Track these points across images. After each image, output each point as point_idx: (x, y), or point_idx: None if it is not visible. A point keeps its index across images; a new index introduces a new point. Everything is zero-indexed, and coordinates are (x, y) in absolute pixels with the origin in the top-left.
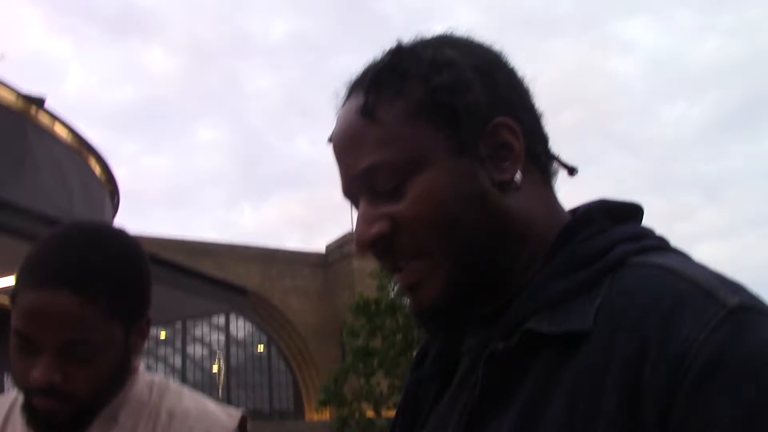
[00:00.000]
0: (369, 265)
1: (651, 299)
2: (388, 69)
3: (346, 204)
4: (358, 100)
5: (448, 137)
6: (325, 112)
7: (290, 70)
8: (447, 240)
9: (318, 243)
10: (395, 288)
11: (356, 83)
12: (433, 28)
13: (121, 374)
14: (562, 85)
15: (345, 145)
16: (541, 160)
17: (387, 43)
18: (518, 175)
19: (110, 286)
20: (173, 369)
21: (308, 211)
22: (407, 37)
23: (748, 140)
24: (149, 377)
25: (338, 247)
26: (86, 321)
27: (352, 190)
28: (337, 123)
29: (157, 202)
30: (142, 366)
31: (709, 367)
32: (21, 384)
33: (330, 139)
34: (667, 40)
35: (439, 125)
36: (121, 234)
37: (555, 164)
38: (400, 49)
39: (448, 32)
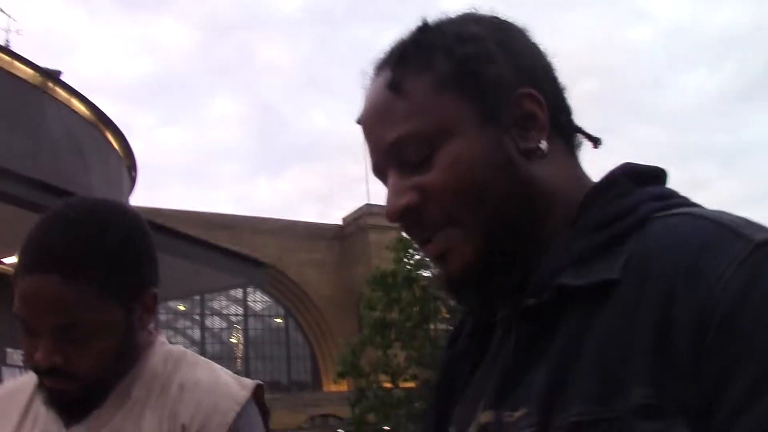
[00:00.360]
0: (385, 237)
1: (678, 241)
2: (414, 44)
3: (361, 176)
4: (385, 76)
5: (474, 107)
6: (339, 84)
7: (305, 43)
8: (476, 207)
9: (334, 216)
10: (412, 260)
11: (383, 61)
12: (449, 3)
13: (126, 351)
14: (580, 56)
15: (373, 120)
16: (565, 131)
17: (402, 16)
18: (544, 144)
19: (102, 267)
20: (192, 341)
21: (324, 184)
22: (431, 14)
23: (767, 110)
24: (167, 348)
25: (354, 220)
26: (78, 304)
27: (382, 164)
28: (365, 101)
29: (174, 176)
30: (161, 338)
31: (738, 299)
32: (30, 365)
33: (358, 120)
34: (685, 8)
35: (464, 95)
36: (116, 209)
37: (579, 136)
38: (425, 25)
39: (472, 9)
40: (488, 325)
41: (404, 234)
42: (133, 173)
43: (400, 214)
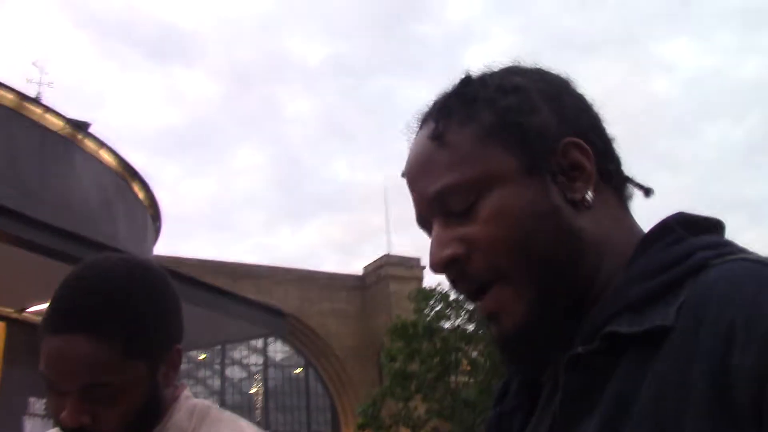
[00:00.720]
0: (406, 287)
1: (734, 287)
2: (457, 96)
3: (382, 227)
4: (429, 128)
5: (518, 157)
6: (362, 135)
7: (328, 94)
8: (523, 259)
9: (355, 266)
10: (432, 311)
11: (427, 114)
12: (471, 51)
13: (152, 408)
14: (602, 104)
15: (417, 171)
16: (614, 181)
17: (425, 66)
18: (590, 194)
19: (127, 327)
20: (212, 391)
21: (346, 234)
22: (474, 67)
23: None
24: (192, 403)
25: (375, 270)
26: (104, 364)
27: (425, 215)
28: (409, 153)
29: (199, 225)
30: (186, 391)
31: None
32: (56, 422)
33: (403, 173)
34: (709, 60)
35: (508, 146)
36: (141, 267)
37: (630, 186)
38: (468, 77)
39: (516, 62)
40: (537, 382)
41: (428, 285)
42: (157, 223)
43: (444, 265)
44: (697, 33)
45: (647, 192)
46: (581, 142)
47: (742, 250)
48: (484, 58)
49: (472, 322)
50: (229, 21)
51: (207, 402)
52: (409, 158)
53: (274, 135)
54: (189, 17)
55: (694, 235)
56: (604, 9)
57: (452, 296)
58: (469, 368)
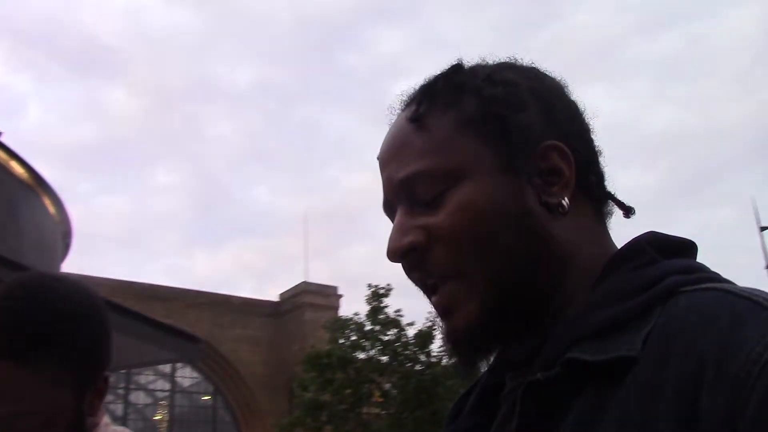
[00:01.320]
0: (322, 316)
1: (706, 319)
2: (444, 80)
3: (300, 254)
4: (409, 111)
5: (496, 152)
6: (284, 161)
7: (252, 118)
8: (484, 258)
9: (271, 292)
10: (348, 341)
11: (411, 96)
12: (398, 85)
13: None
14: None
15: (391, 152)
16: (594, 194)
17: (353, 98)
18: (566, 201)
19: (58, 356)
20: (114, 417)
21: (263, 260)
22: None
23: (696, 209)
24: (112, 430)
25: (292, 297)
26: (30, 394)
27: (392, 200)
28: (386, 134)
29: (110, 244)
30: (105, 418)
31: None
32: None
33: (378, 155)
34: (624, 108)
35: (488, 138)
36: (76, 291)
37: (610, 203)
38: (458, 64)
39: (512, 58)
40: (493, 400)
41: (344, 314)
42: (67, 239)
43: (401, 253)
44: (614, 81)
45: (628, 211)
46: (563, 147)
47: (715, 277)
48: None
49: (387, 354)
50: (155, 39)
51: (127, 430)
52: (384, 140)
53: (194, 156)
54: (114, 32)
55: (665, 256)
56: (528, 53)
57: (368, 326)
58: (381, 400)
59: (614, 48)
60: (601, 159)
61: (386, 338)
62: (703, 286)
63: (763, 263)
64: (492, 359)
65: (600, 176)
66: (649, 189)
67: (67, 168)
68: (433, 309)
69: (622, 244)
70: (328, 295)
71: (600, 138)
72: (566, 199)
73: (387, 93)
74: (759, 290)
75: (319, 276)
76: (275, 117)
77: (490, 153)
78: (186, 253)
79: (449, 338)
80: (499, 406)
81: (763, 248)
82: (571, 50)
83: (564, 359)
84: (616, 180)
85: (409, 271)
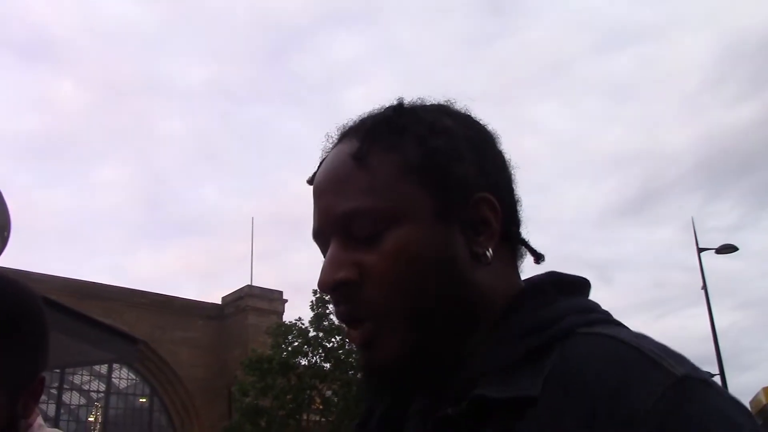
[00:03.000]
0: (265, 321)
1: (600, 367)
2: (388, 122)
3: (246, 256)
4: (351, 145)
5: (432, 199)
6: (234, 161)
7: (203, 117)
8: (412, 299)
9: (216, 294)
10: (290, 347)
11: (351, 129)
12: (352, 91)
13: None
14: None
15: (329, 185)
16: (512, 241)
17: (305, 99)
18: (490, 252)
19: None
20: (45, 417)
21: (208, 261)
22: (406, 96)
23: (641, 227)
24: None
25: (235, 300)
26: None
27: (325, 230)
28: (323, 164)
29: (48, 239)
30: (39, 420)
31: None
32: None
33: (310, 180)
34: (574, 126)
35: (427, 186)
36: (10, 289)
37: (523, 248)
38: (401, 106)
39: (448, 102)
40: (401, 411)
41: (288, 320)
42: (5, 233)
43: (333, 286)
44: (565, 99)
45: (538, 258)
46: (493, 199)
47: (607, 318)
48: (364, 99)
49: (329, 361)
50: (107, 32)
51: (60, 431)
52: (323, 169)
53: (142, 153)
54: (64, 22)
55: (564, 295)
56: (483, 66)
57: (311, 333)
58: (321, 407)
59: (567, 66)
60: (519, 207)
61: (329, 345)
62: (598, 331)
63: (701, 283)
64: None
65: (518, 224)
66: (595, 206)
67: (7, 159)
68: (352, 341)
69: (526, 283)
70: (272, 300)
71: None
72: (490, 249)
73: (341, 98)
74: (645, 338)
75: (265, 280)
76: (227, 117)
77: (429, 200)
78: (129, 252)
79: (366, 370)
80: (406, 417)
81: (701, 268)
82: (525, 66)
83: (471, 395)
84: (566, 195)
85: (337, 304)
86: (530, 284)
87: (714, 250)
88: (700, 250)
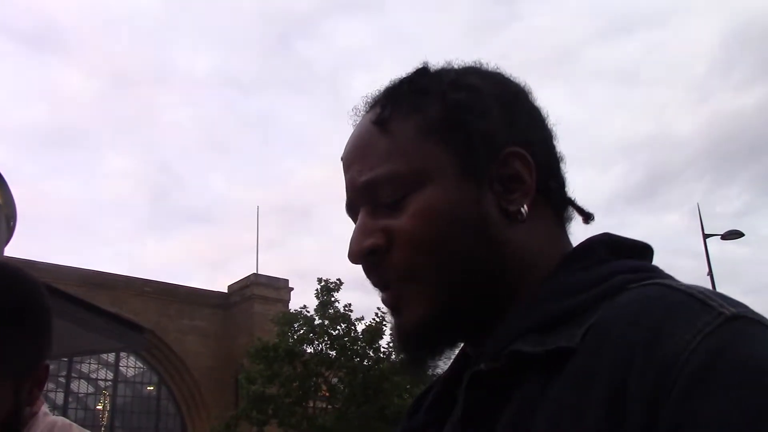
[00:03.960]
0: (271, 309)
1: (641, 309)
2: (409, 84)
3: (253, 245)
4: (374, 113)
5: (457, 158)
6: (241, 150)
7: (210, 106)
8: (441, 261)
9: (222, 283)
10: (296, 335)
11: (376, 98)
12: (357, 78)
13: (10, 428)
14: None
15: (354, 154)
16: (554, 199)
17: (310, 89)
18: (525, 208)
19: None
20: (54, 406)
21: (214, 250)
22: (433, 60)
23: (648, 214)
24: (51, 420)
25: (241, 289)
26: None
27: (355, 202)
28: (351, 135)
29: (56, 229)
30: (44, 408)
31: (701, 372)
32: None
33: (342, 155)
34: (581, 111)
35: (450, 144)
36: (13, 278)
37: (571, 208)
38: (424, 68)
39: (477, 63)
40: (452, 395)
41: (293, 308)
42: (11, 222)
43: (363, 255)
44: (572, 85)
45: (587, 217)
46: (525, 153)
47: (666, 277)
48: (370, 87)
49: (335, 348)
50: (113, 19)
51: (67, 420)
52: (349, 141)
53: (148, 142)
54: (71, 11)
55: (618, 258)
56: (489, 53)
57: (317, 321)
58: (327, 394)
59: (574, 52)
60: (562, 165)
61: (335, 333)
62: (648, 282)
63: (706, 269)
64: (453, 355)
65: (561, 182)
66: (602, 193)
67: (14, 149)
68: (385, 305)
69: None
70: (278, 288)
71: (561, 143)
72: (525, 206)
73: (347, 87)
74: (701, 287)
75: (271, 268)
76: (233, 105)
77: (453, 159)
78: (136, 241)
79: (398, 335)
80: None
81: (707, 254)
82: (531, 52)
83: (507, 351)
84: (571, 182)
85: (368, 272)
86: (581, 245)
87: (720, 236)
88: (705, 236)
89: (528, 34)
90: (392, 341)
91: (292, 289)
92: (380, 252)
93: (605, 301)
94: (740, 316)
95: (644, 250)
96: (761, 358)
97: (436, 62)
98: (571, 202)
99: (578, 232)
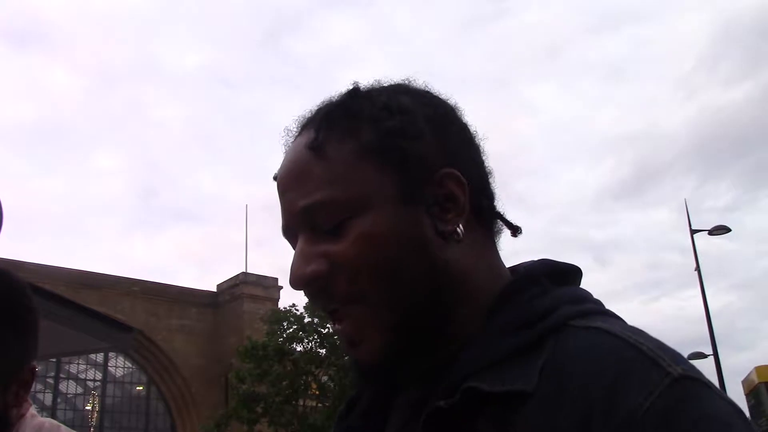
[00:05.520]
0: (261, 308)
1: (597, 365)
2: (341, 108)
3: (242, 244)
4: (308, 136)
5: (393, 182)
6: (229, 148)
7: (199, 103)
8: (384, 286)
9: (211, 282)
10: (285, 334)
11: (308, 120)
12: (347, 74)
13: None
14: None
15: (290, 180)
16: (485, 216)
17: (300, 85)
18: (460, 228)
19: None
20: (42, 406)
21: (203, 249)
22: (363, 80)
23: (636, 209)
24: (39, 422)
25: (229, 288)
26: None
27: (292, 226)
28: (284, 158)
29: (43, 228)
30: (32, 409)
31: None
32: None
33: (275, 176)
34: (570, 107)
35: (385, 169)
36: None
37: (499, 223)
38: (355, 90)
39: (406, 80)
40: (386, 402)
41: (283, 306)
42: None
43: (305, 282)
44: (561, 80)
45: (515, 231)
46: (458, 174)
47: (599, 309)
48: (360, 81)
49: (324, 346)
50: (100, 16)
51: (55, 422)
52: (283, 164)
53: (136, 139)
54: (57, 8)
55: (557, 284)
56: (478, 49)
57: (306, 319)
58: (317, 393)
59: (562, 48)
60: (491, 180)
61: (325, 331)
62: (593, 325)
63: (694, 265)
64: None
65: (491, 198)
66: (591, 188)
67: (0, 147)
68: (339, 336)
69: (517, 270)
70: (267, 287)
71: (557, 140)
72: (461, 226)
73: (335, 83)
74: (642, 333)
75: (260, 267)
76: (221, 102)
77: (389, 183)
78: (124, 240)
79: (356, 367)
80: (388, 409)
81: (695, 250)
82: (520, 48)
83: (464, 387)
84: (561, 178)
85: (312, 298)
86: (522, 272)
87: (707, 232)
88: (693, 232)
89: (517, 30)
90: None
91: (281, 287)
92: (322, 278)
93: (551, 336)
94: (684, 377)
95: (576, 274)
96: (703, 421)
97: (366, 82)
98: (500, 216)
99: (507, 246)
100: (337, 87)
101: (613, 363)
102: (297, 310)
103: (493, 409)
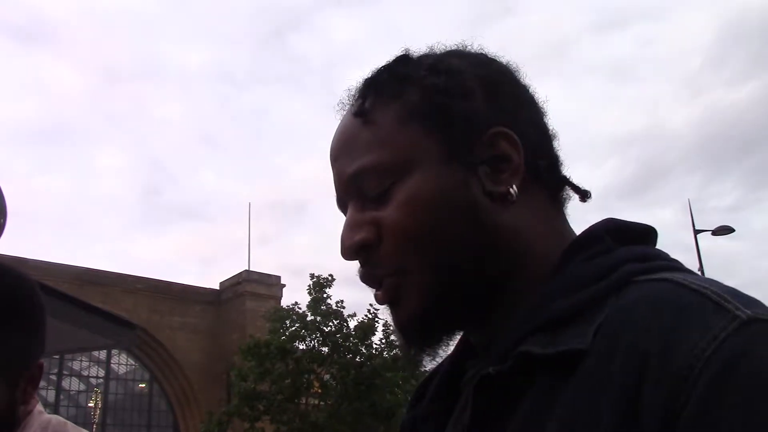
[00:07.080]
0: (263, 306)
1: (652, 312)
2: (388, 72)
3: (245, 241)
4: (356, 104)
5: (440, 142)
6: (233, 146)
7: (202, 100)
8: (429, 250)
9: (213, 279)
10: (288, 332)
11: (358, 90)
12: (351, 73)
13: (5, 427)
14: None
15: (339, 148)
16: (549, 180)
17: (305, 82)
18: (514, 189)
19: None
20: (45, 403)
21: (206, 247)
22: (415, 47)
23: (640, 209)
24: (45, 418)
25: (232, 286)
26: None
27: (344, 196)
28: (336, 129)
29: (47, 225)
30: (39, 406)
31: (717, 382)
32: None
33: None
34: (575, 106)
35: (431, 129)
36: (7, 277)
37: (567, 188)
38: (404, 55)
39: (461, 45)
40: (455, 386)
41: (285, 304)
42: (2, 219)
43: (354, 250)
44: (566, 79)
45: (584, 195)
46: (511, 132)
47: (673, 265)
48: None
49: (327, 345)
50: (104, 13)
51: (61, 418)
52: (334, 135)
53: (140, 137)
54: (61, 5)
55: (623, 244)
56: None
57: (309, 317)
58: (320, 391)
59: (567, 47)
60: (555, 143)
61: (327, 329)
62: (656, 276)
63: (697, 265)
64: (453, 344)
65: (553, 161)
66: (594, 188)
67: (4, 145)
68: (379, 303)
69: (581, 231)
70: (270, 285)
71: (553, 122)
72: (514, 186)
73: (339, 81)
74: (713, 282)
75: (263, 265)
76: (225, 101)
77: (435, 144)
78: (128, 237)
79: (397, 326)
80: (460, 391)
81: (698, 250)
82: (525, 47)
83: (516, 352)
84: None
85: (363, 266)
86: (584, 233)
87: (711, 232)
88: (696, 232)
89: (522, 28)
90: (384, 338)
91: (284, 285)
92: (371, 245)
93: (612, 296)
94: (756, 319)
95: (648, 234)
96: None
97: (418, 49)
98: (566, 180)
99: (576, 213)
100: (341, 85)
101: (671, 309)
102: (300, 308)
103: (547, 371)
